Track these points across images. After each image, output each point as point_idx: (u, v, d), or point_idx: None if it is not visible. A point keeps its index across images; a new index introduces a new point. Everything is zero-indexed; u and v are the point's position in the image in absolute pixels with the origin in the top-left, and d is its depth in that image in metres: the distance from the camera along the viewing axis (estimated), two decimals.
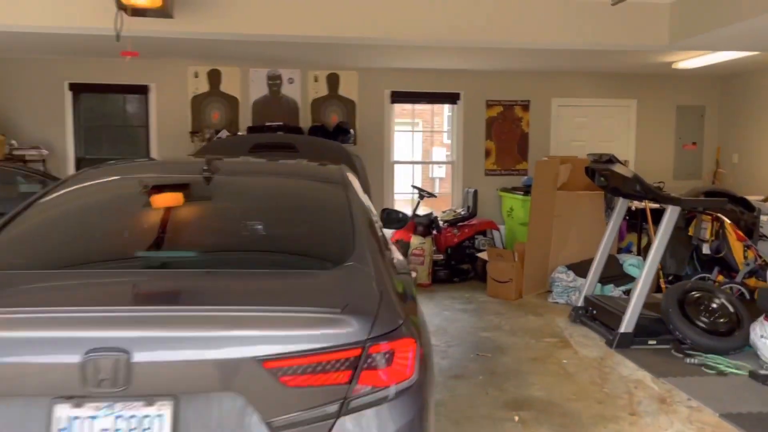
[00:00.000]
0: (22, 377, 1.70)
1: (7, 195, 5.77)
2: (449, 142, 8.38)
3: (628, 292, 6.28)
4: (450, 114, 8.34)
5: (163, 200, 2.68)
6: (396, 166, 8.32)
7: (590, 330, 5.45)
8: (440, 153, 8.33)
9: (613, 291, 6.27)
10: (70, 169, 7.50)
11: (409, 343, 1.88)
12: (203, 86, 7.81)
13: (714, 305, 4.92)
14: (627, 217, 6.63)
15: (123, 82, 7.65)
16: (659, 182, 6.68)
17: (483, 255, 7.00)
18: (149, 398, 1.69)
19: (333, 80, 8.00)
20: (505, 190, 8.03)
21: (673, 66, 7.45)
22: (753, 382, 4.24)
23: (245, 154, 5.62)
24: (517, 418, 3.73)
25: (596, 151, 5.95)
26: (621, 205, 5.72)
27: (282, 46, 6.54)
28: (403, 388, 1.83)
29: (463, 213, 7.82)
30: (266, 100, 7.92)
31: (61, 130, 7.60)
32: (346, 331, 1.76)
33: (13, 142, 7.21)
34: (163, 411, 1.69)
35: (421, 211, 7.77)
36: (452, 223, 7.66)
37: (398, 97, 8.14)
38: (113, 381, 1.66)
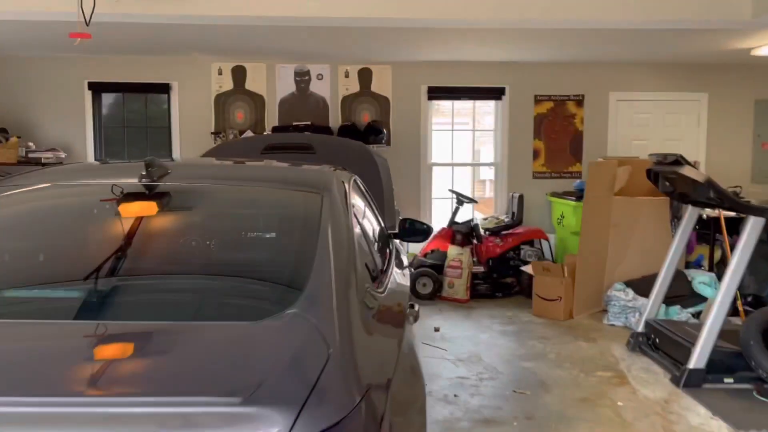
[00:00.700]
0: None
1: None
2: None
3: (697, 315, 5.40)
4: (494, 111, 7.60)
5: (71, 219, 2.09)
6: (435, 169, 7.62)
7: (652, 362, 4.63)
8: (486, 154, 7.57)
9: (680, 314, 5.39)
10: None
11: None
12: (227, 84, 7.31)
13: None
14: (697, 227, 5.74)
15: (144, 80, 7.24)
16: (735, 186, 5.77)
17: (527, 269, 6.22)
18: None
19: (365, 76, 7.37)
20: (555, 195, 7.21)
21: (752, 53, 6.47)
22: None
23: (257, 156, 5.09)
24: None
25: (660, 152, 5.10)
26: (690, 214, 4.87)
27: (310, 37, 5.97)
28: None
29: (506, 220, 7.05)
30: (294, 98, 7.37)
31: (81, 131, 7.25)
32: None
33: (31, 144, 6.88)
34: None
35: (461, 217, 7.05)
36: (495, 231, 6.90)
37: (436, 93, 7.43)
38: None
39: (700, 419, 3.68)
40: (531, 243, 6.95)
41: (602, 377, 4.35)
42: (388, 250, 3.28)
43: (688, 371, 4.13)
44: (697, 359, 4.14)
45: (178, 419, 1.12)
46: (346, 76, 7.36)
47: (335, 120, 7.36)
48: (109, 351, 1.39)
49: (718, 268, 6.09)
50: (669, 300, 5.24)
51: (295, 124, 7.17)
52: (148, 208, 2.05)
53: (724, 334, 4.20)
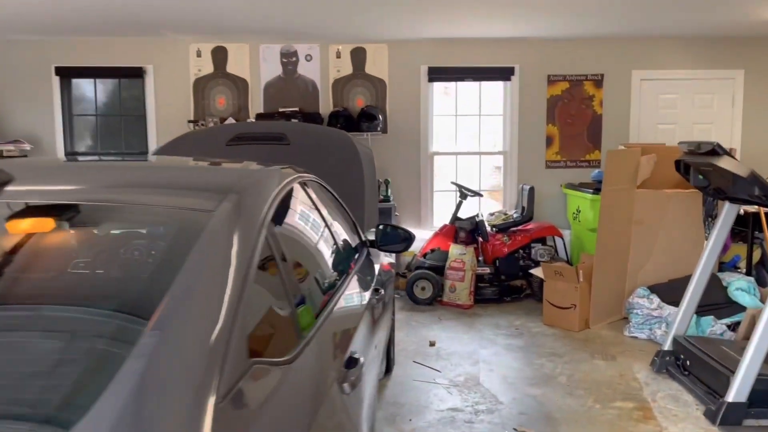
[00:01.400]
0: None
1: None
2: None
3: (734, 327, 4.66)
4: (502, 93, 6.84)
5: None
6: (437, 159, 6.90)
7: (682, 388, 3.91)
8: (493, 142, 6.84)
9: (714, 325, 4.66)
10: None
11: None
12: (207, 67, 6.65)
13: None
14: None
15: (116, 64, 6.60)
16: None
17: (537, 272, 5.51)
18: None
19: (359, 56, 6.66)
20: (570, 186, 6.46)
21: None
22: None
23: (221, 149, 4.44)
24: None
25: (690, 138, 4.37)
26: (727, 212, 4.11)
27: (297, 13, 5.29)
28: None
29: (515, 215, 6.32)
30: (280, 81, 6.69)
31: (49, 120, 6.65)
32: None
33: None
34: None
35: (465, 213, 6.35)
36: (502, 228, 6.18)
37: (438, 74, 6.70)
38: None
39: None
40: (543, 241, 6.23)
41: (622, 409, 3.65)
42: (351, 267, 2.62)
43: (727, 405, 3.42)
44: (738, 390, 3.43)
45: None
46: (338, 56, 6.66)
47: (326, 105, 6.67)
48: None
49: (758, 271, 5.33)
50: (701, 309, 4.50)
51: (281, 110, 6.50)
52: None
53: None
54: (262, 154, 4.39)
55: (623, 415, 3.59)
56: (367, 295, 2.64)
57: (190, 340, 1.11)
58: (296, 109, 6.51)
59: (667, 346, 4.26)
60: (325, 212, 2.55)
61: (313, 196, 2.47)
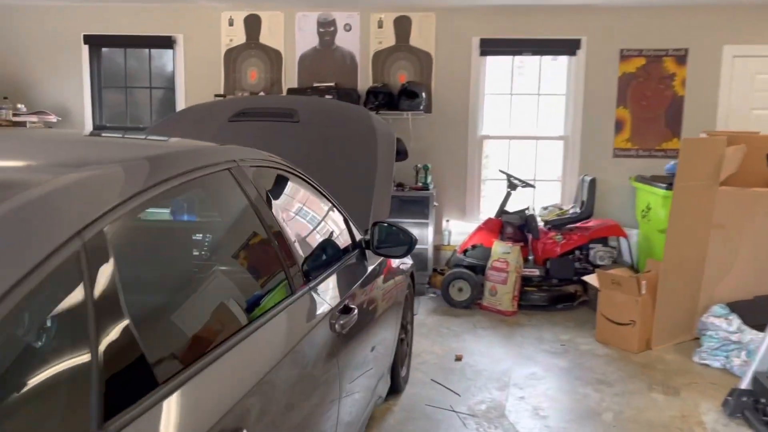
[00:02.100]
0: None
1: None
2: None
3: None
4: (567, 70, 5.98)
5: None
6: (487, 143, 6.15)
7: None
8: (553, 125, 6.04)
9: None
10: None
11: None
12: (239, 36, 6.15)
13: None
14: None
15: (145, 32, 6.21)
16: None
17: (591, 279, 4.71)
18: None
19: (402, 26, 5.98)
20: (641, 179, 5.57)
21: None
22: None
23: (223, 126, 3.91)
24: None
25: None
26: None
27: None
28: None
29: (573, 211, 5.51)
30: (316, 53, 6.10)
31: (78, 91, 6.35)
32: None
33: (20, 106, 6.05)
34: None
35: (515, 206, 5.60)
36: (556, 224, 5.39)
37: (491, 46, 5.92)
38: None
39: None
40: (605, 241, 5.39)
41: None
42: (308, 280, 2.03)
43: None
44: None
45: None
46: (380, 26, 6.00)
47: (365, 80, 6.04)
48: None
49: None
50: None
51: (315, 85, 5.94)
52: None
53: None
54: (267, 132, 3.85)
55: None
56: (337, 311, 2.05)
57: None
58: (332, 84, 5.92)
59: (745, 383, 3.42)
60: (273, 210, 1.94)
61: (253, 189, 1.86)
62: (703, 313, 4.32)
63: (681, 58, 5.78)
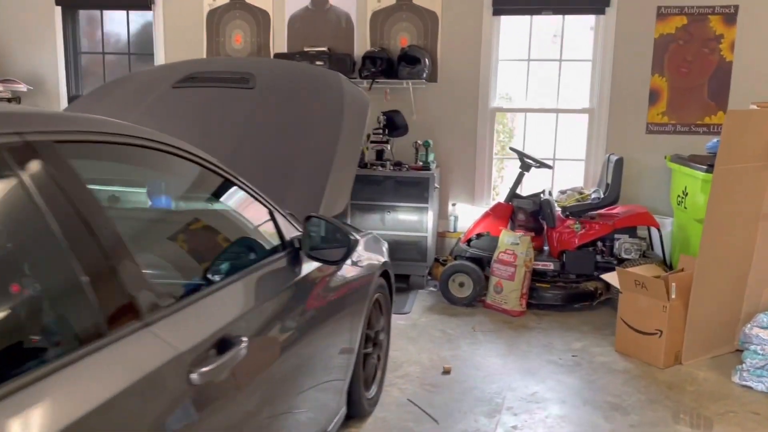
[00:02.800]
0: None
1: None
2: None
3: None
4: (593, 31, 5.17)
5: None
6: (500, 116, 5.42)
7: None
8: (577, 96, 5.27)
9: None
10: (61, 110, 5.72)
11: None
12: None
13: None
14: None
15: None
16: None
17: (610, 278, 3.97)
18: None
19: None
20: (677, 159, 4.77)
21: None
22: None
23: (167, 93, 3.32)
24: None
25: None
26: None
27: None
28: None
29: (594, 195, 4.76)
30: (308, 14, 5.43)
31: (52, 59, 5.82)
32: None
33: None
34: None
35: (528, 189, 4.87)
36: (576, 211, 4.66)
37: (506, 4, 5.14)
38: None
39: None
40: (632, 231, 4.64)
41: None
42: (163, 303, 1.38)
43: None
44: None
45: None
46: None
47: (362, 44, 5.35)
48: None
49: None
50: None
51: (306, 49, 5.27)
52: None
53: None
54: (216, 100, 3.23)
55: None
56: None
57: None
58: (324, 49, 5.25)
59: None
60: (93, 210, 1.30)
61: (53, 176, 1.23)
62: (747, 323, 3.57)
63: (730, 16, 4.92)
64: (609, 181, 4.63)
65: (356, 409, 2.81)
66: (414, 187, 4.83)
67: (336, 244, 2.07)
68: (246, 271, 1.81)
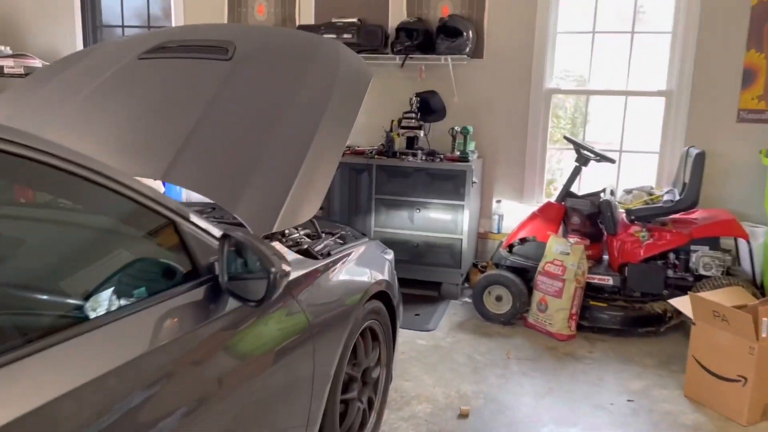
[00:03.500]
0: None
1: None
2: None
3: None
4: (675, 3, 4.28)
5: None
6: (557, 99, 4.63)
7: None
8: (652, 77, 4.41)
9: None
10: None
11: None
12: None
13: None
14: None
15: None
16: None
17: (680, 304, 3.15)
18: None
19: None
20: None
21: None
22: None
23: (130, 65, 2.78)
24: None
25: None
26: None
27: None
28: None
29: (667, 197, 3.91)
30: None
31: (70, 32, 5.44)
32: None
33: (2, 48, 5.23)
34: None
35: (586, 188, 4.09)
36: (643, 216, 3.83)
37: None
38: None
39: None
40: (714, 242, 3.77)
41: None
42: None
43: None
44: None
45: None
46: None
47: (398, 14, 4.67)
48: None
49: None
50: None
51: (334, 20, 4.64)
52: None
53: None
54: (186, 72, 2.66)
55: None
56: None
57: None
58: (354, 20, 4.60)
59: None
60: None
61: None
62: None
63: None
64: (687, 179, 3.77)
65: None
66: (448, 182, 4.13)
67: (260, 274, 1.44)
68: (124, 309, 1.21)
